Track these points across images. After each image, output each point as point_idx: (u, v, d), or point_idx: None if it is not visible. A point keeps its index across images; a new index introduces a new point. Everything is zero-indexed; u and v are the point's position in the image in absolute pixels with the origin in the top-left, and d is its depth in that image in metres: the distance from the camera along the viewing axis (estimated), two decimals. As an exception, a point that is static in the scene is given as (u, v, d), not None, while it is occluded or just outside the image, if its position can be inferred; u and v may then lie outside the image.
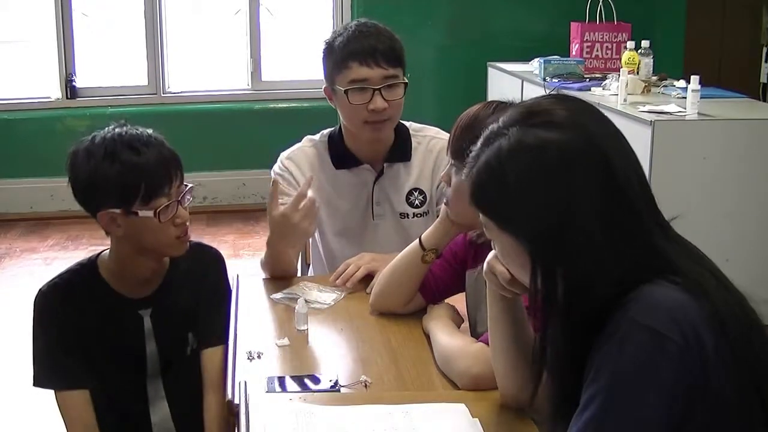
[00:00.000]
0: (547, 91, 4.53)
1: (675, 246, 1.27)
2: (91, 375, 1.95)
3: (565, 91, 4.36)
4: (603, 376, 1.17)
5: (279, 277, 2.29)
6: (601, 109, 1.33)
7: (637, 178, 1.26)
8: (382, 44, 2.32)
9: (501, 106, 1.82)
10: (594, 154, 1.23)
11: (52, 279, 1.99)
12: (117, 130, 1.89)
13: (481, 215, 1.32)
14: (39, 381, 1.97)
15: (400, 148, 2.47)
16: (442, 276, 2.05)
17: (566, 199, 1.21)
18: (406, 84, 2.36)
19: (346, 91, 2.33)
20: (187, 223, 1.93)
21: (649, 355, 1.15)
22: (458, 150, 1.76)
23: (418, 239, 2.02)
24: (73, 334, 1.94)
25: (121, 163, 1.83)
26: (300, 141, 2.53)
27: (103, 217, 1.88)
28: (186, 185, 1.94)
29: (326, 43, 2.40)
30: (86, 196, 1.89)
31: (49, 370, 1.95)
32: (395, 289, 2.05)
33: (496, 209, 1.29)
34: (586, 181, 1.21)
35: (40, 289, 1.98)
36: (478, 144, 1.32)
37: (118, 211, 1.86)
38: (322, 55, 2.41)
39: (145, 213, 1.85)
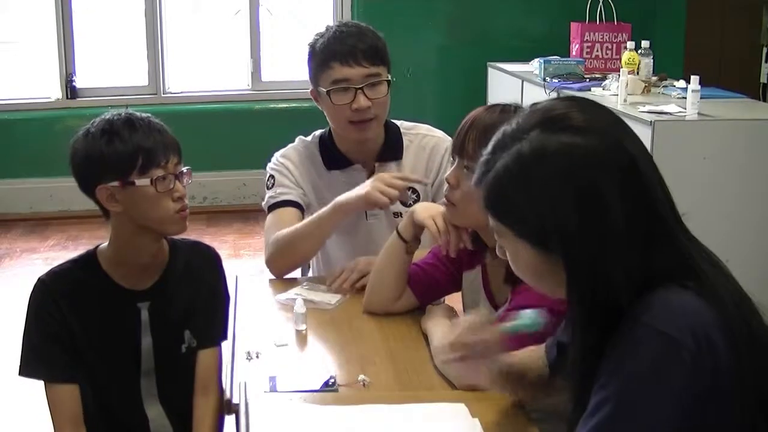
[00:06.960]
0: (548, 92, 4.53)
1: (695, 249, 1.26)
2: (82, 369, 1.95)
3: (566, 92, 4.36)
4: (614, 380, 1.16)
5: (288, 269, 2.34)
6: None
7: (658, 179, 1.25)
8: (363, 43, 2.33)
9: (505, 108, 1.82)
10: (620, 158, 1.21)
11: (52, 268, 2.00)
12: (116, 112, 1.94)
13: (493, 221, 1.28)
14: (26, 371, 1.96)
15: (392, 147, 2.46)
16: (437, 276, 2.05)
17: (594, 203, 1.19)
18: (389, 82, 2.36)
19: (328, 92, 2.33)
20: (186, 201, 1.94)
21: (661, 361, 1.14)
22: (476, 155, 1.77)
23: (396, 233, 2.03)
24: (67, 324, 1.94)
25: (120, 138, 1.88)
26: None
27: (102, 191, 1.89)
28: (184, 169, 1.96)
29: (309, 45, 2.41)
30: (85, 173, 1.91)
31: (36, 361, 1.95)
32: (384, 286, 2.06)
33: (518, 216, 1.24)
34: (611, 185, 1.19)
35: (39, 277, 1.98)
36: (489, 148, 1.28)
37: (116, 184, 1.88)
38: (306, 58, 2.42)
39: (143, 182, 1.87)
